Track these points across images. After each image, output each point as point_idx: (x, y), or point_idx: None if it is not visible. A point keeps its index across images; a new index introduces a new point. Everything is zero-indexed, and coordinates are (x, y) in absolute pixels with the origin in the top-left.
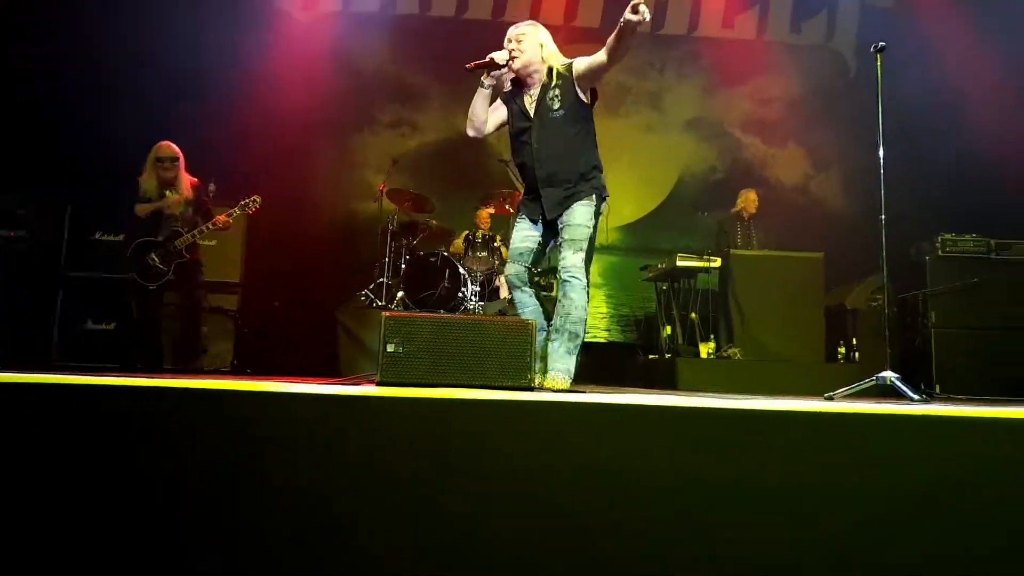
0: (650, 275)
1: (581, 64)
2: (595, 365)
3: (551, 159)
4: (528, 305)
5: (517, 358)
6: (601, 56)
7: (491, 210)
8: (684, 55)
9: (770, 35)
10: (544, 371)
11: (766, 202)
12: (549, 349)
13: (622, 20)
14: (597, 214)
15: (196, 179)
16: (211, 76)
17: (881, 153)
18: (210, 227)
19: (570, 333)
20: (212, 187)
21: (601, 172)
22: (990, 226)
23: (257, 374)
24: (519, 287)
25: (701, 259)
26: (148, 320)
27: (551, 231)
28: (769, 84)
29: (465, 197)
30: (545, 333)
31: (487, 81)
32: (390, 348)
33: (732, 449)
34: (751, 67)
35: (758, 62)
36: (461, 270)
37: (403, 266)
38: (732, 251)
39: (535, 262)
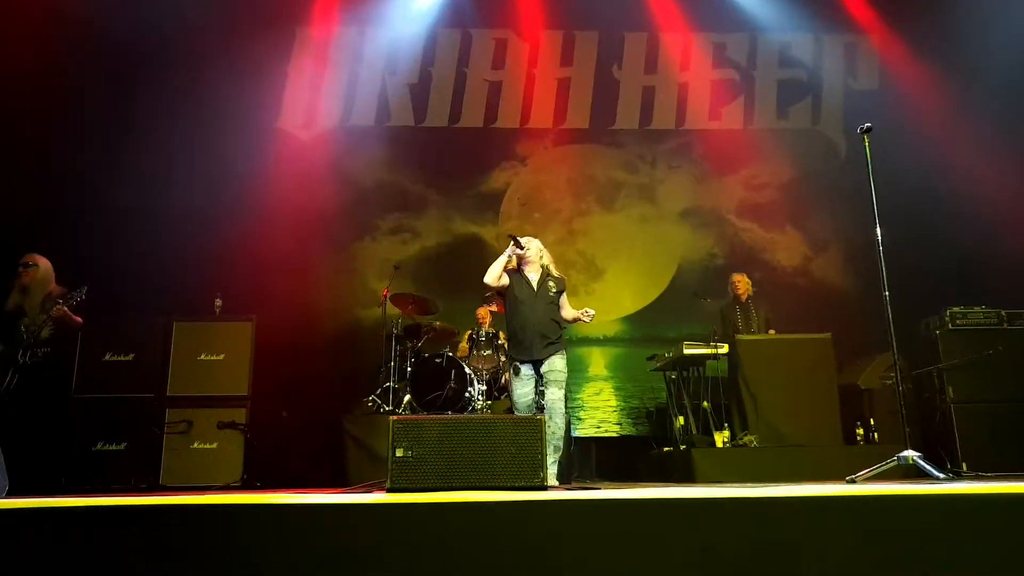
0: (658, 365)
1: (564, 294)
2: (609, 460)
3: (542, 324)
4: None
5: (528, 456)
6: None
7: (493, 307)
8: (674, 148)
9: (757, 123)
10: None
11: (769, 285)
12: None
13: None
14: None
15: (62, 288)
16: (215, 194)
17: (878, 231)
18: (48, 319)
19: (554, 447)
20: (82, 291)
21: None
22: (998, 295)
23: (267, 487)
24: None
25: (708, 346)
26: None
27: (538, 374)
28: (761, 170)
29: (468, 297)
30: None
31: (513, 250)
32: (399, 452)
33: (758, 540)
34: (741, 155)
35: (748, 149)
36: (467, 370)
37: (409, 369)
38: (739, 337)
39: (540, 406)
